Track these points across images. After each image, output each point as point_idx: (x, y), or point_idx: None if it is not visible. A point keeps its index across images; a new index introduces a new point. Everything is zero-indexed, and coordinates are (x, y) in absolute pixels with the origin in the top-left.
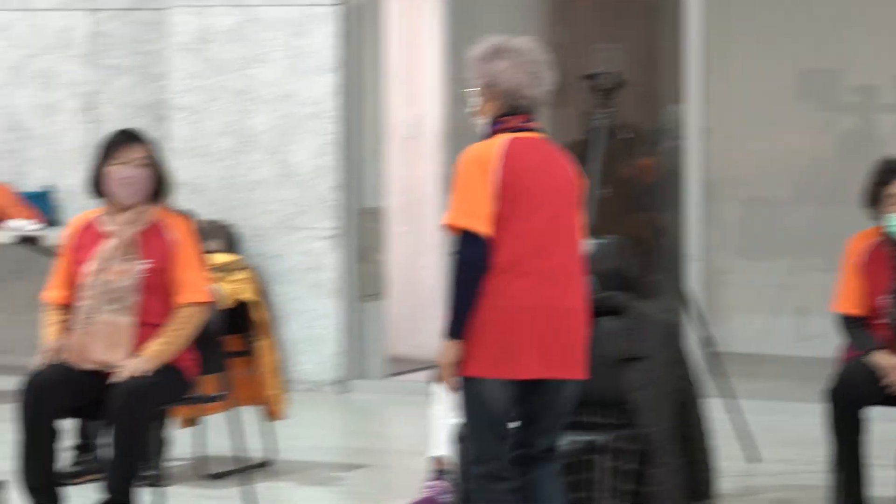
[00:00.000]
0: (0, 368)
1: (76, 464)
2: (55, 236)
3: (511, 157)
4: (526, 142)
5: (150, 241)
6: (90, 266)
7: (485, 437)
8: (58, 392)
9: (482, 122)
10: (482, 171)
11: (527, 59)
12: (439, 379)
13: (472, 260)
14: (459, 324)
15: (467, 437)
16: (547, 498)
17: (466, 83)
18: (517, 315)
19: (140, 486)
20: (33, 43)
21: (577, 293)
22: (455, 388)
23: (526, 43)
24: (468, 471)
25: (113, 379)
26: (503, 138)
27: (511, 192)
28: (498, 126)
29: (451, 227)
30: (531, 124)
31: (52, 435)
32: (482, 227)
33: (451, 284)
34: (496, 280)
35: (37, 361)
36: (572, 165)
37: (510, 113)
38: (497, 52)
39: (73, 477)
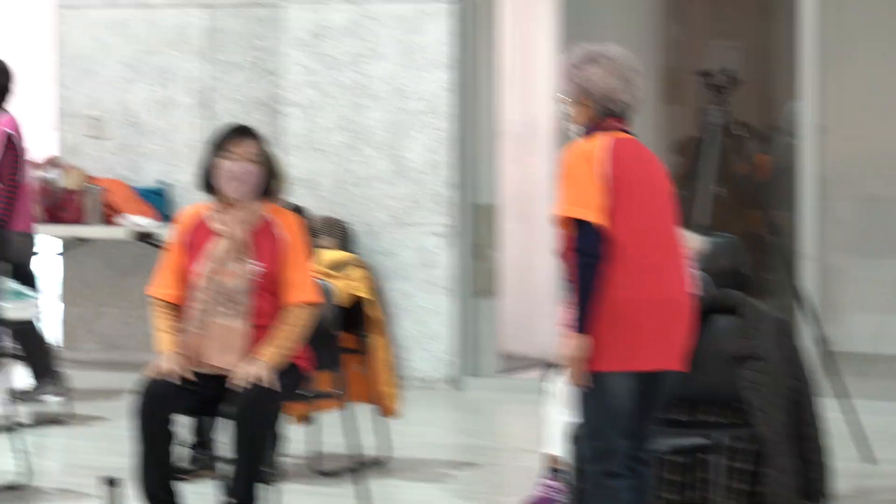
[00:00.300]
0: (114, 364)
1: (192, 461)
2: (170, 232)
3: (616, 153)
4: (625, 141)
5: (262, 242)
6: (202, 266)
7: (605, 433)
8: (173, 396)
9: (576, 127)
10: (589, 165)
11: (619, 64)
12: (560, 375)
13: (590, 249)
14: (585, 317)
15: (584, 434)
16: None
17: (560, 89)
18: (642, 307)
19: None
20: (150, 39)
21: (684, 286)
22: (583, 384)
23: (618, 49)
24: (583, 468)
25: (231, 384)
26: (604, 136)
27: (619, 186)
28: (593, 129)
29: (564, 219)
30: (625, 127)
31: (168, 438)
32: (595, 216)
33: (573, 278)
34: (617, 272)
35: (152, 371)
36: (664, 167)
37: (604, 117)
38: (591, 59)
39: (188, 473)
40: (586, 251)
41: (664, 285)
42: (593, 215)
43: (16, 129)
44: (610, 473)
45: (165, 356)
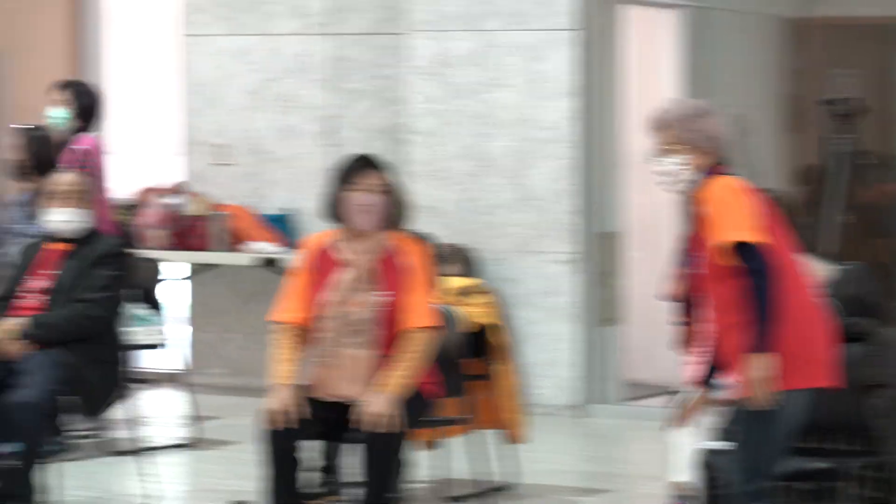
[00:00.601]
0: (240, 389)
1: (319, 485)
2: (294, 259)
3: (747, 188)
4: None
5: (387, 271)
6: (329, 296)
7: (770, 453)
8: (300, 424)
9: (692, 173)
10: (737, 195)
11: (718, 116)
12: (688, 401)
13: (764, 269)
14: (769, 336)
15: (741, 456)
16: None
17: (666, 142)
18: (814, 323)
19: None
20: (273, 67)
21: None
22: (768, 403)
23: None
24: (718, 493)
25: (358, 415)
26: (729, 177)
27: (761, 213)
28: (710, 174)
29: (727, 247)
30: (733, 172)
31: (295, 463)
32: (761, 237)
33: (754, 299)
34: (788, 290)
35: (265, 418)
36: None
37: (718, 163)
38: (703, 111)
39: (315, 498)
40: (761, 270)
41: (819, 305)
42: (759, 236)
43: (97, 150)
44: (759, 494)
45: (279, 391)
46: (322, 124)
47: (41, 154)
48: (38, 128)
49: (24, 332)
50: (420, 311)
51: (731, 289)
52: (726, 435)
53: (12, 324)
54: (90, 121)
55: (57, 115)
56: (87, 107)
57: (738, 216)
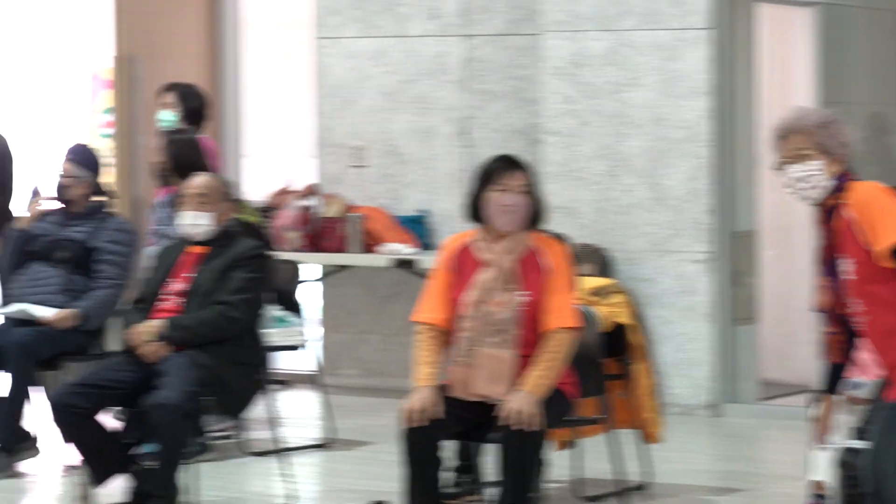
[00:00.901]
0: (375, 389)
1: (457, 484)
2: (430, 260)
3: (889, 189)
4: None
5: (528, 271)
6: (470, 296)
7: None
8: (440, 424)
9: (827, 180)
10: (885, 197)
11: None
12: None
13: None
14: None
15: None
16: None
17: (798, 148)
18: None
19: None
20: (409, 69)
21: None
22: None
23: None
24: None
25: (498, 414)
26: (864, 182)
27: None
28: (843, 180)
29: (889, 248)
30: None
31: (436, 463)
32: None
33: None
34: None
35: (405, 416)
36: None
37: (848, 171)
38: (835, 118)
39: (453, 497)
40: None
41: None
42: None
43: (211, 152)
44: None
45: (420, 392)
46: (457, 125)
47: (181, 157)
48: (179, 131)
49: (161, 334)
50: (562, 312)
51: (892, 291)
52: (866, 434)
53: (151, 325)
54: (198, 123)
55: (165, 118)
56: (193, 109)
57: (892, 218)
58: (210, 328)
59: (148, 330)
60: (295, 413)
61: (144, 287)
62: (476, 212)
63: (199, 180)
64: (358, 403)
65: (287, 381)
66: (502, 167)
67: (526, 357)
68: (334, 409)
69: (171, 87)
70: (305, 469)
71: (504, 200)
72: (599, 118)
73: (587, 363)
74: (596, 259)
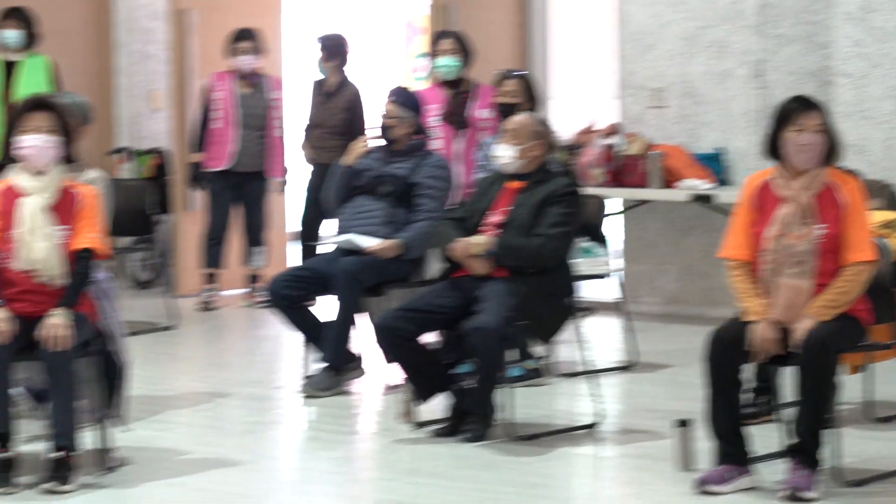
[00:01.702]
0: (674, 317)
1: (754, 405)
2: (726, 195)
3: None
4: None
5: (825, 205)
6: (771, 231)
7: None
8: (742, 345)
9: None
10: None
11: None
12: None
13: None
14: None
15: None
16: None
17: None
18: None
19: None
20: (707, 15)
21: None
22: None
23: None
24: None
25: (792, 340)
26: None
27: None
28: None
29: None
30: None
31: (737, 384)
32: None
33: None
34: None
35: (753, 343)
36: None
37: None
38: None
39: (752, 418)
40: None
41: None
42: None
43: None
44: None
45: (757, 323)
46: (752, 68)
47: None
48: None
49: (489, 251)
50: (860, 245)
51: None
52: None
53: (479, 240)
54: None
55: (445, 63)
56: (472, 53)
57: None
58: (533, 256)
59: (477, 244)
60: (600, 338)
61: (464, 211)
62: (774, 150)
63: (518, 118)
64: (658, 329)
65: (592, 308)
66: (798, 108)
67: (822, 286)
68: (636, 335)
69: (447, 35)
70: (611, 390)
71: (801, 140)
72: (889, 61)
73: (880, 291)
74: (885, 194)
